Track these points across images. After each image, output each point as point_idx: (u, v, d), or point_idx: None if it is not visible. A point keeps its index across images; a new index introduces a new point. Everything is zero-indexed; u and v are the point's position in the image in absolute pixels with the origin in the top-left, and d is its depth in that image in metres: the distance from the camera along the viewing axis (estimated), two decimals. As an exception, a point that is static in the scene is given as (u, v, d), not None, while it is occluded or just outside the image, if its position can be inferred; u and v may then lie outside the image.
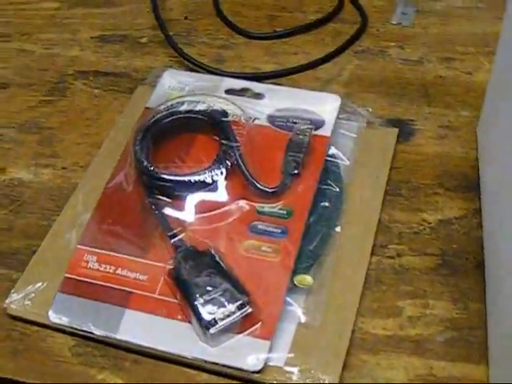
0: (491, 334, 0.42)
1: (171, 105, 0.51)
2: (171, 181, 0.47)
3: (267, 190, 0.47)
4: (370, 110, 0.55)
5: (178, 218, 0.47)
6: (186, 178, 0.47)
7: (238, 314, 0.42)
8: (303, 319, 0.43)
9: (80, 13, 0.68)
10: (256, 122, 0.52)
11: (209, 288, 0.42)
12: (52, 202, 0.52)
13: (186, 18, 0.66)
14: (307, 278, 0.45)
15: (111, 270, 0.45)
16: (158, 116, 0.50)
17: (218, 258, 0.44)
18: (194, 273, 0.43)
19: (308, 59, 0.61)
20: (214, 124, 0.50)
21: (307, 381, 0.41)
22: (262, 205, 0.47)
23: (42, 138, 0.56)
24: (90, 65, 0.62)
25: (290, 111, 0.53)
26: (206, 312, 0.41)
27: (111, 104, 0.58)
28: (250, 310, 0.42)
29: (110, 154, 0.53)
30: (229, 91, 0.55)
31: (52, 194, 0.52)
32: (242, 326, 0.42)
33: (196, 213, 0.47)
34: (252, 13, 0.67)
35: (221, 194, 0.47)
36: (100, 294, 0.45)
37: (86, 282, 0.45)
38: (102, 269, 0.45)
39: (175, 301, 0.44)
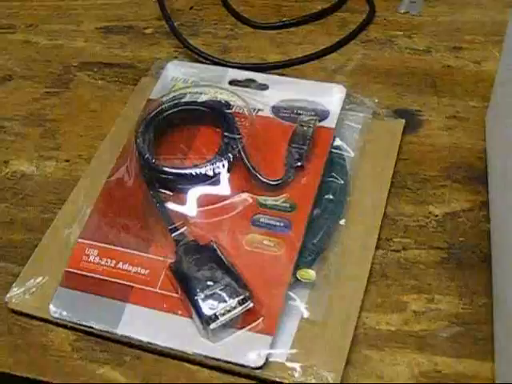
0: (497, 330, 0.41)
1: (174, 96, 0.50)
2: (173, 174, 0.47)
3: (270, 182, 0.47)
4: (376, 100, 0.54)
5: (179, 212, 0.46)
6: (188, 171, 0.46)
7: (239, 309, 0.41)
8: (306, 314, 0.43)
9: (84, 4, 0.67)
10: (260, 113, 0.51)
11: (210, 283, 0.42)
12: (54, 195, 0.51)
13: (191, 8, 0.66)
14: (310, 273, 0.44)
15: (112, 264, 0.45)
16: (161, 108, 0.50)
17: (219, 253, 0.43)
18: (195, 267, 0.43)
19: (314, 49, 0.60)
20: (217, 116, 0.49)
21: (309, 377, 0.40)
22: (264, 197, 0.47)
23: (45, 130, 0.56)
24: (94, 56, 0.62)
25: (295, 102, 0.52)
26: (207, 307, 0.41)
27: (115, 96, 0.58)
28: (251, 305, 0.41)
29: (113, 147, 0.52)
30: (233, 82, 0.54)
31: (54, 186, 0.52)
32: (243, 321, 0.42)
33: (198, 206, 0.46)
34: (258, 2, 0.66)
35: (223, 187, 0.47)
36: (101, 288, 0.44)
37: (87, 276, 0.45)
38: (103, 263, 0.45)
39: (176, 295, 0.43)
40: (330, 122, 0.51)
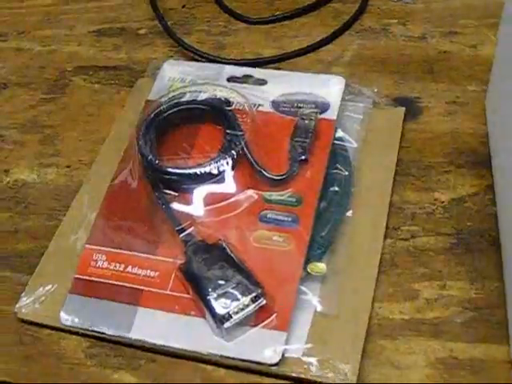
0: (511, 313, 0.41)
1: (173, 96, 0.50)
2: (177, 174, 0.46)
3: (275, 177, 0.47)
4: (376, 89, 0.53)
5: (185, 212, 0.46)
6: (192, 171, 0.46)
7: (253, 306, 0.41)
8: (319, 308, 0.42)
9: (75, 8, 0.67)
10: (260, 108, 0.51)
11: (221, 281, 0.42)
12: (57, 202, 0.51)
13: (183, 6, 0.65)
14: (320, 266, 0.44)
15: (121, 268, 0.45)
16: (161, 108, 0.49)
17: (228, 251, 0.43)
18: (206, 267, 0.42)
19: (309, 42, 0.60)
20: (218, 113, 0.49)
21: (326, 371, 0.40)
22: (269, 193, 0.47)
23: (43, 136, 0.56)
24: (88, 60, 0.61)
25: (294, 96, 0.51)
26: (220, 306, 0.41)
27: (112, 98, 0.58)
28: (264, 301, 0.41)
29: (113, 150, 0.52)
30: (231, 79, 0.54)
31: (57, 193, 0.52)
32: (256, 318, 0.41)
33: (204, 205, 0.46)
34: (250, -3, 0.65)
35: (228, 185, 0.46)
36: (111, 293, 0.44)
37: (97, 281, 0.45)
38: (111, 267, 0.45)
39: (188, 296, 0.43)
40: (331, 114, 0.50)
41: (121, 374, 0.42)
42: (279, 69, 0.57)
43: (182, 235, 0.44)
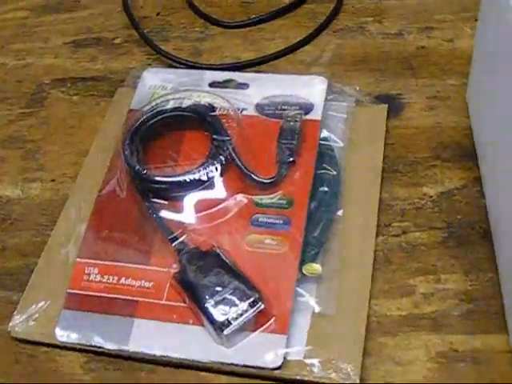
0: (508, 302, 0.42)
1: (156, 104, 0.50)
2: (166, 182, 0.46)
3: (265, 181, 0.46)
4: (358, 88, 0.54)
5: (176, 220, 0.46)
6: (181, 178, 0.46)
7: (251, 311, 0.41)
8: (317, 309, 0.42)
9: (48, 20, 0.66)
10: (244, 112, 0.51)
11: (218, 288, 0.41)
12: (44, 217, 0.50)
13: (158, 14, 0.65)
14: (315, 266, 0.44)
15: (114, 281, 0.44)
16: (144, 117, 0.49)
17: (223, 257, 0.43)
18: (201, 274, 0.42)
19: (287, 43, 0.60)
20: (203, 119, 0.49)
21: (329, 371, 0.40)
22: (259, 197, 0.46)
23: (25, 151, 0.55)
24: (65, 72, 0.60)
25: (278, 98, 0.51)
26: (218, 313, 0.40)
27: (92, 110, 0.57)
28: (262, 306, 0.41)
29: (97, 161, 0.51)
30: (213, 84, 0.54)
31: (43, 208, 0.51)
32: (255, 323, 0.41)
33: (195, 212, 0.46)
34: (224, 2, 0.65)
35: (218, 191, 0.46)
36: (106, 306, 0.43)
37: (90, 295, 0.44)
38: (104, 280, 0.44)
39: (184, 305, 0.43)
40: (316, 114, 0.50)
41: (121, 387, 0.41)
42: (259, 72, 0.57)
43: (174, 244, 0.44)
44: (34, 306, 0.44)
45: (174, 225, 0.45)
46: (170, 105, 0.49)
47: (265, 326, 0.41)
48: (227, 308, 0.41)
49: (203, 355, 0.41)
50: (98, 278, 0.44)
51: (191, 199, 0.46)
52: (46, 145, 0.55)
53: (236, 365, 0.40)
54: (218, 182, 0.46)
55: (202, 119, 0.49)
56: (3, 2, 0.68)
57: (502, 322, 0.42)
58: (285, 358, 0.40)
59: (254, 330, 0.41)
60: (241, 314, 0.40)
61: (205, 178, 0.46)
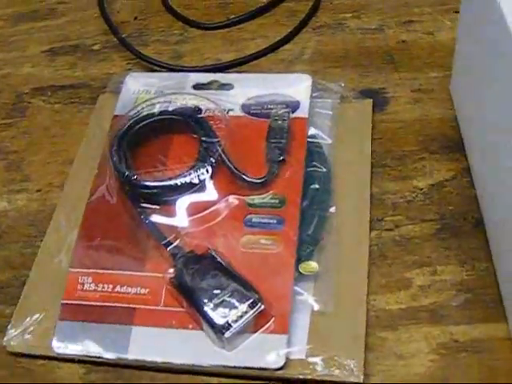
0: (504, 291, 0.42)
1: (142, 108, 0.49)
2: (157, 187, 0.46)
3: (256, 181, 0.46)
4: (343, 84, 0.54)
5: (169, 224, 0.45)
6: (172, 182, 0.45)
7: (251, 312, 0.40)
8: (316, 307, 0.42)
9: (24, 28, 0.65)
10: (230, 113, 0.50)
11: (216, 291, 0.41)
12: (32, 228, 0.50)
13: (135, 18, 0.64)
14: (312, 264, 0.44)
15: (109, 289, 0.44)
16: (131, 122, 0.48)
17: (219, 259, 0.43)
18: (198, 278, 0.42)
19: (267, 42, 0.60)
20: (191, 122, 0.48)
21: (332, 368, 0.40)
22: (251, 197, 0.46)
23: (9, 163, 0.54)
24: (45, 80, 0.60)
25: (263, 97, 0.51)
26: (218, 316, 0.40)
27: (75, 117, 0.56)
28: (262, 306, 0.41)
29: (84, 169, 0.51)
30: (197, 86, 0.53)
31: (31, 219, 0.50)
32: (255, 324, 0.41)
33: (187, 216, 0.45)
34: (202, 3, 0.65)
35: (209, 193, 0.46)
36: (103, 315, 0.43)
37: (86, 305, 0.43)
38: (99, 289, 0.44)
39: (182, 310, 0.42)
40: (302, 112, 0.50)
41: (123, 396, 0.41)
42: (241, 72, 0.57)
43: (169, 248, 0.43)
44: (28, 319, 0.44)
45: (166, 229, 0.45)
46: (157, 109, 0.49)
47: (265, 327, 0.41)
48: (227, 310, 0.40)
49: (204, 359, 0.40)
50: (93, 287, 0.44)
51: (183, 203, 0.46)
52: (30, 155, 0.54)
53: (238, 367, 0.40)
54: (209, 184, 0.46)
55: (189, 122, 0.48)
56: (-24, 12, 0.67)
57: (500, 311, 0.42)
58: (287, 358, 0.40)
59: (255, 332, 0.41)
60: (241, 316, 0.40)
61: (196, 180, 0.45)
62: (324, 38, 0.60)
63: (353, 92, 0.54)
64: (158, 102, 0.49)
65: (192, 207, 0.46)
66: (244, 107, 0.51)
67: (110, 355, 0.41)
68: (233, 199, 0.46)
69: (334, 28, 0.61)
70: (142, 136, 0.49)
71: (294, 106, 0.50)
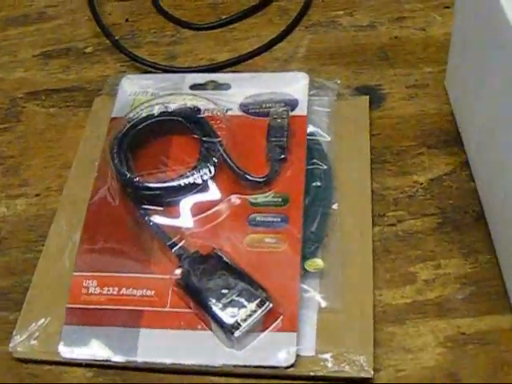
0: (509, 282, 0.42)
1: (141, 110, 0.49)
2: (160, 188, 0.45)
3: (259, 180, 0.46)
4: (339, 81, 0.54)
5: (173, 225, 0.45)
6: (175, 183, 0.45)
7: (260, 311, 0.40)
8: (323, 304, 0.42)
9: (14, 33, 0.64)
10: (229, 112, 0.50)
11: (224, 291, 0.41)
12: (33, 233, 0.49)
13: (126, 20, 0.64)
14: (318, 262, 0.44)
15: (115, 292, 0.43)
16: (131, 124, 0.48)
17: (225, 259, 0.43)
18: (205, 278, 0.42)
19: (261, 42, 0.60)
20: (191, 122, 0.48)
21: (342, 364, 0.40)
22: (254, 196, 0.46)
23: (6, 168, 0.53)
24: (38, 84, 0.59)
25: (261, 96, 0.51)
26: (227, 316, 0.40)
27: (70, 121, 0.56)
28: (271, 305, 0.41)
29: (83, 172, 0.50)
30: (193, 87, 0.53)
31: (30, 224, 0.50)
32: (264, 322, 0.41)
33: (191, 216, 0.45)
34: (193, 4, 0.65)
35: (212, 193, 0.46)
36: (109, 318, 0.43)
37: (91, 308, 0.43)
38: (104, 292, 0.43)
39: (189, 310, 0.42)
40: (301, 110, 0.50)
41: (132, 399, 0.41)
42: (237, 72, 0.57)
43: (174, 249, 0.43)
44: (33, 325, 0.43)
45: (170, 230, 0.45)
46: (156, 110, 0.49)
47: (274, 325, 0.41)
48: (236, 310, 0.40)
49: (214, 359, 0.40)
50: (98, 290, 0.44)
51: (186, 203, 0.46)
52: (27, 159, 0.54)
53: (248, 366, 0.40)
54: (211, 184, 0.46)
55: (190, 122, 0.48)
56: (-35, 17, 0.67)
57: (505, 303, 0.42)
58: (297, 356, 0.40)
59: (264, 330, 0.41)
60: (250, 315, 0.40)
61: (199, 181, 0.45)
62: (317, 35, 0.60)
63: (348, 89, 0.54)
64: (157, 104, 0.49)
65: (195, 208, 0.46)
66: (242, 106, 0.51)
67: (118, 358, 0.41)
68: (235, 199, 0.46)
69: (326, 26, 0.61)
70: (142, 137, 0.49)
71: (293, 104, 0.51)
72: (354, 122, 0.51)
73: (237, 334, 0.40)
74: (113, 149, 0.47)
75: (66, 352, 0.42)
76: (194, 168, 0.46)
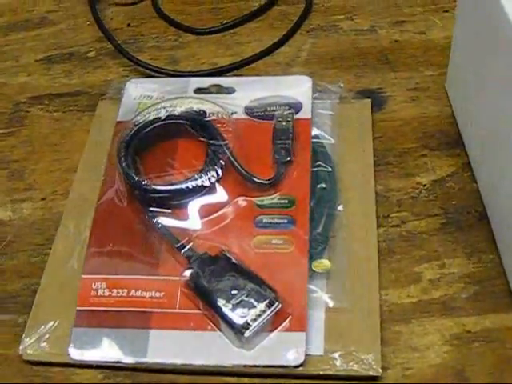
0: (513, 281, 0.43)
1: (148, 113, 0.49)
2: (168, 191, 0.46)
3: (265, 182, 0.47)
4: (341, 85, 0.54)
5: (181, 228, 0.45)
6: (184, 185, 0.46)
7: (269, 311, 0.41)
8: (331, 304, 0.43)
9: (16, 38, 0.65)
10: (234, 116, 0.51)
11: (234, 291, 0.41)
12: (39, 236, 0.49)
13: (128, 25, 0.64)
14: (325, 262, 0.44)
15: (124, 294, 0.44)
16: (138, 127, 0.48)
17: (234, 260, 0.43)
18: (214, 279, 0.42)
19: (262, 46, 0.60)
20: (198, 126, 0.49)
21: (351, 363, 0.40)
22: (261, 198, 0.47)
23: (11, 172, 0.54)
24: (41, 89, 0.59)
25: (266, 100, 0.52)
26: (237, 316, 0.41)
27: (74, 125, 0.56)
28: (280, 305, 0.41)
29: (89, 175, 0.51)
30: (198, 90, 0.54)
31: (37, 227, 0.50)
32: (273, 323, 0.41)
33: (199, 218, 0.46)
34: (195, 9, 0.65)
35: (219, 195, 0.46)
36: (119, 320, 0.43)
37: (101, 310, 0.43)
38: (114, 294, 0.44)
39: (198, 312, 0.42)
40: (305, 113, 0.51)
41: (143, 399, 0.41)
42: (239, 75, 0.58)
43: (183, 251, 0.44)
44: (43, 327, 0.43)
45: (178, 233, 0.45)
46: (162, 113, 0.49)
47: (282, 325, 0.41)
48: (245, 310, 0.41)
49: (225, 359, 0.41)
50: (107, 292, 0.44)
51: (194, 206, 0.46)
52: (32, 164, 0.54)
53: (258, 366, 0.40)
54: (218, 186, 0.47)
55: (196, 125, 0.49)
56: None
57: (509, 301, 0.43)
58: (306, 355, 0.40)
59: (273, 330, 0.41)
60: (259, 315, 0.41)
61: (207, 183, 0.46)
62: (318, 40, 0.61)
63: (350, 92, 0.55)
64: (163, 107, 0.50)
65: (203, 210, 0.46)
66: (247, 110, 0.51)
67: (129, 359, 0.41)
68: (242, 201, 0.47)
69: (327, 30, 0.61)
70: (149, 141, 0.49)
71: (297, 107, 0.51)
72: (356, 125, 0.52)
73: (247, 334, 0.40)
74: (120, 152, 0.47)
75: (76, 354, 0.42)
76: (202, 171, 0.46)
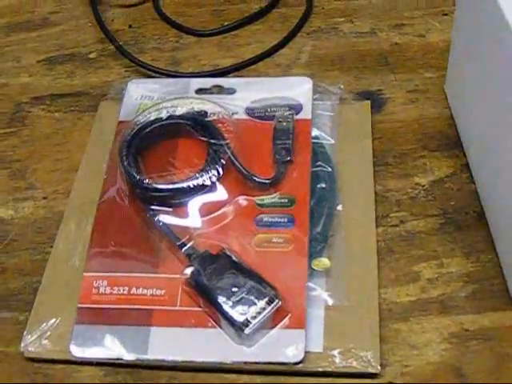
0: (510, 280, 0.43)
1: (150, 113, 0.50)
2: (169, 190, 0.46)
3: (265, 181, 0.47)
4: (342, 86, 0.55)
5: (182, 226, 0.46)
6: (185, 184, 0.46)
7: (269, 308, 0.41)
8: (330, 301, 0.43)
9: (19, 38, 0.65)
10: (235, 116, 0.51)
11: (234, 289, 0.42)
12: (41, 235, 0.50)
13: (130, 26, 0.65)
14: (324, 261, 0.45)
15: (125, 292, 0.44)
16: (139, 127, 0.49)
17: (234, 258, 0.43)
18: (215, 277, 0.42)
19: (263, 48, 0.61)
20: (199, 125, 0.49)
21: (350, 360, 0.41)
22: (261, 197, 0.47)
23: (13, 171, 0.54)
24: (43, 89, 0.60)
25: (266, 101, 0.52)
26: (238, 313, 0.41)
27: (76, 125, 0.57)
28: (280, 303, 0.41)
29: (90, 174, 0.51)
30: (199, 91, 0.54)
31: (38, 226, 0.50)
32: (272, 320, 0.42)
33: (199, 217, 0.46)
34: (196, 11, 0.66)
35: (220, 194, 0.47)
36: (120, 317, 0.43)
37: (102, 308, 0.44)
38: (115, 292, 0.44)
39: (199, 309, 0.43)
40: (305, 114, 0.51)
41: (144, 396, 0.41)
42: (240, 77, 0.58)
43: (184, 249, 0.44)
44: (44, 324, 0.44)
45: (179, 231, 0.46)
46: (164, 113, 0.50)
47: (282, 323, 0.42)
48: (246, 308, 0.41)
49: (225, 356, 0.41)
50: (108, 290, 0.44)
51: (195, 204, 0.46)
52: (33, 163, 0.54)
53: (258, 363, 0.41)
54: (219, 185, 0.47)
55: (197, 125, 0.49)
56: (-31, 23, 0.67)
57: (506, 300, 0.43)
58: (305, 352, 0.41)
59: (273, 328, 0.42)
60: (259, 313, 0.41)
61: (208, 182, 0.46)
62: (318, 42, 0.61)
63: (350, 94, 0.56)
64: (165, 107, 0.50)
65: (204, 208, 0.46)
66: (248, 110, 0.52)
67: (130, 356, 0.42)
68: (243, 200, 0.47)
69: (327, 32, 0.62)
70: (151, 140, 0.49)
71: (297, 108, 0.52)
72: (356, 126, 0.53)
73: (247, 331, 0.41)
74: (122, 151, 0.48)
75: (78, 351, 0.42)
76: (203, 170, 0.47)
